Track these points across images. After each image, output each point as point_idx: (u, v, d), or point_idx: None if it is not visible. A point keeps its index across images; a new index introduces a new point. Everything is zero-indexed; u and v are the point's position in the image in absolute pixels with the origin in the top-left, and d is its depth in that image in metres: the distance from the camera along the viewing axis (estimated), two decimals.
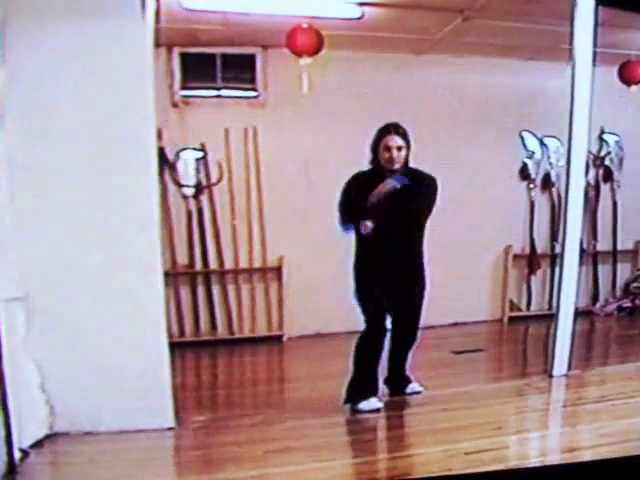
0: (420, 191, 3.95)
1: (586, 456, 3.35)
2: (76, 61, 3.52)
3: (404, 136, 3.97)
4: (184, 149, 6.05)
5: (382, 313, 4.13)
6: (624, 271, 7.41)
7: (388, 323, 4.18)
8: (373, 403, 4.04)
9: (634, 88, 6.25)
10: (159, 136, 5.00)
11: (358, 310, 5.76)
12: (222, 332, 6.37)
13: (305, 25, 5.09)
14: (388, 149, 3.92)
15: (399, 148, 3.93)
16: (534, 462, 3.40)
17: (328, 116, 6.18)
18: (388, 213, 3.87)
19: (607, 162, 7.16)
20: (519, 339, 6.76)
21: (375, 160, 4.02)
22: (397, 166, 3.92)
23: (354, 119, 6.07)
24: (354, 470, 3.28)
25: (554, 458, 3.44)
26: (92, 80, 3.53)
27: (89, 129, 3.56)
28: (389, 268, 4.02)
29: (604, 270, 7.36)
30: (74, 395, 3.67)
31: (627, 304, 7.14)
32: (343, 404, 4.06)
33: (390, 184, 3.89)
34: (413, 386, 4.36)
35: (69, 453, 3.53)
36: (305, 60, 5.19)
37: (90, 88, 3.54)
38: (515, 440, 3.66)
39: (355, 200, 3.95)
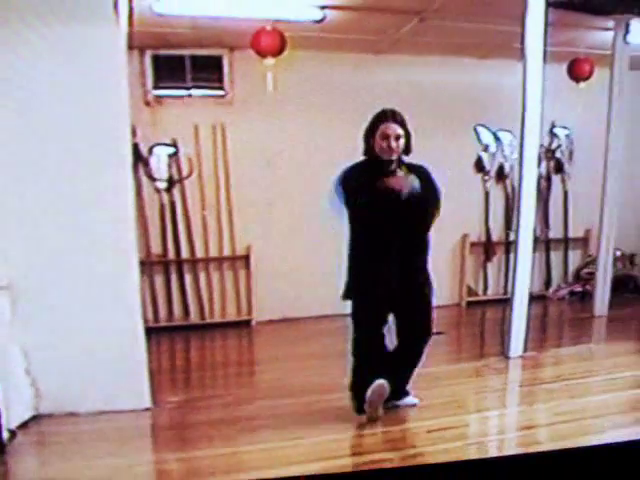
0: (430, 190, 3.61)
1: (543, 433, 3.55)
2: (54, 62, 3.64)
3: (402, 124, 3.57)
4: (157, 145, 6.14)
5: (379, 319, 3.73)
6: (575, 258, 7.62)
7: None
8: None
9: (582, 84, 6.43)
10: (133, 133, 5.09)
11: (321, 295, 5.99)
12: (194, 317, 6.49)
13: (269, 28, 5.18)
14: (386, 137, 3.51)
15: (397, 137, 3.52)
16: (493, 439, 3.61)
17: (292, 113, 6.31)
18: (400, 213, 3.51)
19: (558, 154, 7.33)
20: (477, 322, 6.88)
21: (370, 150, 3.60)
22: (395, 156, 3.53)
23: (317, 116, 6.31)
24: (322, 447, 3.35)
25: (512, 435, 3.62)
26: (70, 80, 3.67)
27: (67, 126, 3.68)
28: (393, 270, 3.59)
29: (556, 257, 7.57)
30: (57, 378, 3.82)
31: (578, 289, 7.37)
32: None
33: (409, 186, 3.47)
34: (409, 399, 3.97)
35: (53, 433, 3.67)
36: (269, 60, 5.29)
37: (68, 88, 3.67)
38: (475, 418, 3.86)
39: (358, 190, 3.54)
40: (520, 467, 2.78)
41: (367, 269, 3.62)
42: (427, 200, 3.55)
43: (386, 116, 3.55)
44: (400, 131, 3.53)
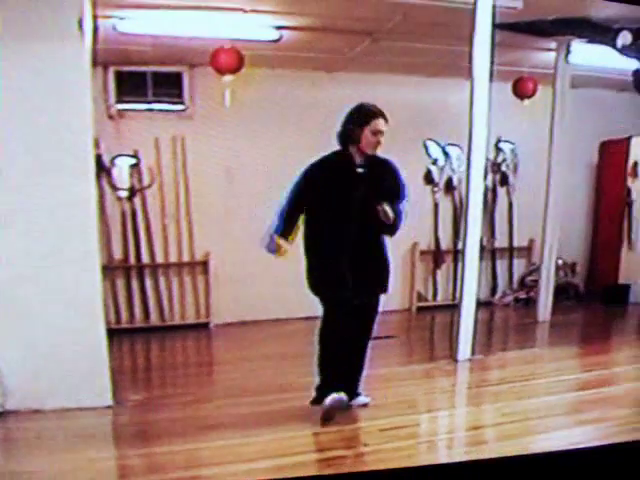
0: (390, 184, 3.72)
1: (490, 433, 3.66)
2: (25, 78, 3.77)
3: (387, 121, 3.66)
4: (119, 156, 6.29)
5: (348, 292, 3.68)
6: (520, 266, 7.84)
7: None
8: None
9: (527, 101, 6.71)
10: (97, 144, 5.21)
11: (277, 300, 6.08)
12: (155, 320, 6.62)
13: (227, 46, 5.33)
14: (376, 134, 3.59)
15: (383, 133, 3.62)
16: (444, 438, 3.72)
17: (249, 127, 6.48)
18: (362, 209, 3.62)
19: (503, 168, 7.57)
20: (427, 327, 7.15)
21: (348, 142, 3.65)
22: (377, 152, 3.64)
23: (273, 130, 6.48)
24: (279, 445, 3.40)
25: (462, 435, 3.73)
26: (37, 94, 3.79)
27: (35, 138, 3.81)
28: (355, 258, 3.67)
29: (502, 265, 7.79)
30: (24, 377, 3.88)
31: (523, 296, 7.63)
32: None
33: (389, 212, 3.59)
34: (361, 399, 3.97)
35: (19, 429, 3.75)
36: (228, 77, 5.46)
37: (35, 101, 3.79)
38: (426, 418, 3.99)
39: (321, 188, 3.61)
40: (513, 469, 2.83)
41: (332, 264, 3.67)
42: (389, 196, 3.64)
43: (376, 113, 3.63)
44: (386, 128, 3.64)
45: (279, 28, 5.42)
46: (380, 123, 3.60)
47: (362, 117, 3.63)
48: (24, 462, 3.30)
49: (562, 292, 7.44)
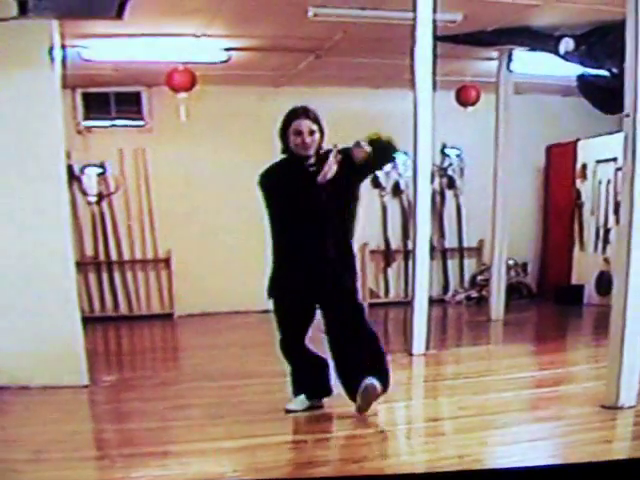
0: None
1: (448, 425, 3.59)
2: (4, 100, 4.18)
3: (315, 120, 3.48)
4: (88, 166, 6.89)
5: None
6: (470, 265, 8.11)
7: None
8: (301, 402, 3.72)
9: (470, 109, 6.97)
10: (68, 156, 5.64)
11: (235, 293, 6.47)
12: (123, 310, 7.13)
13: (181, 67, 5.79)
14: (299, 133, 3.42)
15: (311, 132, 3.43)
16: (402, 428, 3.72)
17: (203, 138, 7.06)
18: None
19: (450, 172, 7.91)
20: (380, 322, 7.15)
21: (287, 148, 3.51)
22: (311, 151, 3.44)
23: (225, 141, 7.04)
24: (241, 427, 3.46)
25: (420, 426, 3.70)
26: (15, 114, 4.18)
27: (14, 151, 4.19)
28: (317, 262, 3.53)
29: (453, 264, 8.05)
30: (13, 357, 4.20)
31: (474, 294, 7.92)
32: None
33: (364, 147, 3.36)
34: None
35: (8, 402, 4.00)
36: (182, 95, 5.94)
37: (14, 120, 4.17)
38: (384, 409, 3.78)
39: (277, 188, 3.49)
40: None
41: (290, 266, 3.55)
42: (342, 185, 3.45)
43: (297, 113, 3.48)
44: (314, 127, 3.46)
45: (228, 50, 5.85)
46: (301, 123, 3.45)
47: (284, 121, 3.54)
48: (14, 432, 3.50)
49: (514, 291, 7.64)
